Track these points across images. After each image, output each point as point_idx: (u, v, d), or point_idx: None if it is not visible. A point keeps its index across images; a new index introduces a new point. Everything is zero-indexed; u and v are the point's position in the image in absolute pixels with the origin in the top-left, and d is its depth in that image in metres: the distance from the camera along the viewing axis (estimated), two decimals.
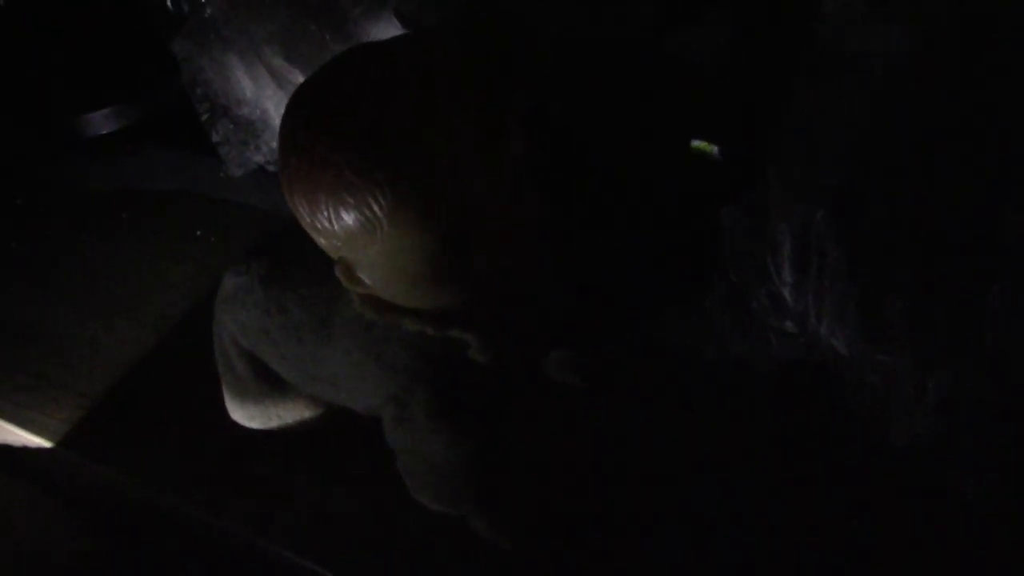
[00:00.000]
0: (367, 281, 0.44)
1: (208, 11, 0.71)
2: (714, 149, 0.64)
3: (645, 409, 0.58)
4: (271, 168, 0.74)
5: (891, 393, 0.43)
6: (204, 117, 0.72)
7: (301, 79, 0.71)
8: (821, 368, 0.46)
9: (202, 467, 0.62)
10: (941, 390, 0.41)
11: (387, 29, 0.71)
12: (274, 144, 0.73)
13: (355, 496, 0.58)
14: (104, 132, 0.85)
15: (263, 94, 0.72)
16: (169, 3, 0.78)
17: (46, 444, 0.66)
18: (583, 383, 0.58)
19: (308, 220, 0.42)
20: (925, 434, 0.43)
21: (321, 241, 0.43)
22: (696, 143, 0.65)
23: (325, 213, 0.41)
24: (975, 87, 0.42)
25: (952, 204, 0.41)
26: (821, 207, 0.40)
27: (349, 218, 0.40)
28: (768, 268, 0.43)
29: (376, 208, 0.39)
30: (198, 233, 0.78)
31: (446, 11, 0.70)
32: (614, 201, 0.61)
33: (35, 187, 0.86)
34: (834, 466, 0.52)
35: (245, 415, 0.57)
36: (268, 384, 0.55)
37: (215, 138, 0.72)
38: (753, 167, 0.53)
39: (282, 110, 0.73)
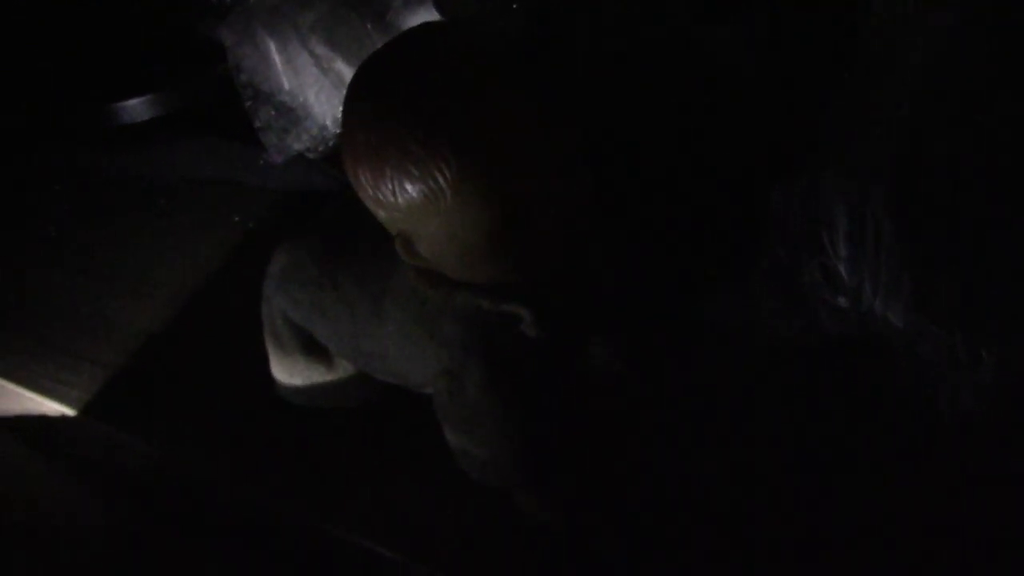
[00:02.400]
0: (425, 255, 0.45)
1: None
2: None
3: (689, 390, 0.58)
4: (311, 155, 0.75)
5: (944, 367, 0.43)
6: (247, 104, 0.73)
7: (343, 66, 0.73)
8: (868, 344, 0.47)
9: (231, 439, 0.62)
10: (994, 363, 0.41)
11: (426, 19, 0.73)
12: (315, 132, 0.74)
13: (392, 468, 0.58)
14: (142, 120, 0.85)
15: (304, 82, 0.73)
16: None
17: (70, 412, 0.67)
18: (625, 369, 0.58)
19: (371, 193, 0.43)
20: (976, 409, 0.43)
21: (381, 214, 0.44)
22: None
23: (390, 186, 0.42)
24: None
25: (1001, 181, 0.42)
26: (877, 183, 0.41)
27: (414, 190, 0.41)
28: (822, 243, 0.44)
29: (441, 180, 0.40)
30: (236, 219, 0.79)
31: (485, 2, 0.71)
32: (659, 182, 0.62)
33: (73, 174, 0.87)
34: (882, 443, 0.52)
35: (293, 390, 0.58)
36: (317, 359, 0.56)
37: (257, 124, 0.73)
38: (791, 153, 0.54)
39: (323, 98, 0.75)
